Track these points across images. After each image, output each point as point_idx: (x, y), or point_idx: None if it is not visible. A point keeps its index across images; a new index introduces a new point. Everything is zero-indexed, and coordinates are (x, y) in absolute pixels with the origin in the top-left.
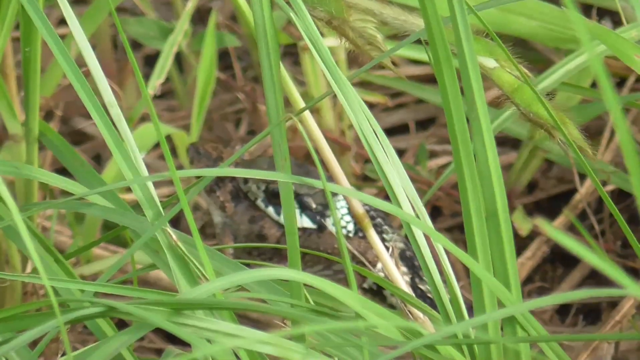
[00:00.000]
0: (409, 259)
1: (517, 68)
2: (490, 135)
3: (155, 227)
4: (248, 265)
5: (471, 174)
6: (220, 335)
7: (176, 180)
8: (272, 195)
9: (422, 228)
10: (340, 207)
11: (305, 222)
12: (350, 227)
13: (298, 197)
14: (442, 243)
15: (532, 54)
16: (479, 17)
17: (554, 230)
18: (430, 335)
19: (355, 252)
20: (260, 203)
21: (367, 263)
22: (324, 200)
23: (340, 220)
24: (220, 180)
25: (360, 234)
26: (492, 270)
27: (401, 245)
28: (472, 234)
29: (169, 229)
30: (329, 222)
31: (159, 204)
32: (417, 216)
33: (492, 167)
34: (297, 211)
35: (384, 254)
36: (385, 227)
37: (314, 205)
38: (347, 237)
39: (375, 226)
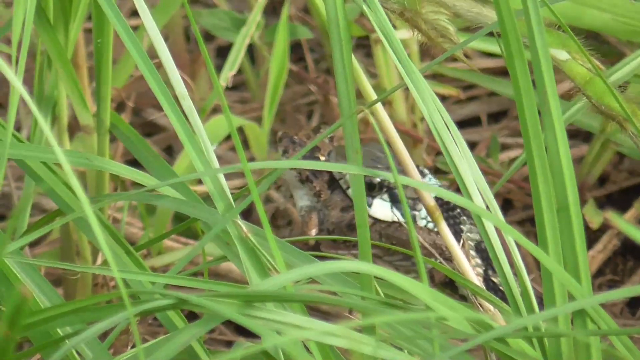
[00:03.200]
0: (484, 251)
1: (589, 60)
2: (561, 128)
3: (226, 219)
4: (319, 257)
5: (542, 166)
6: (290, 327)
7: (247, 172)
8: (366, 187)
9: (493, 221)
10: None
11: (398, 215)
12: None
13: (390, 189)
14: (513, 236)
15: (605, 47)
16: (551, 9)
17: (625, 224)
18: (500, 328)
19: (430, 248)
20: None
21: (442, 260)
22: (414, 193)
23: (420, 212)
24: (317, 170)
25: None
26: (562, 263)
27: (477, 237)
28: (543, 226)
29: (240, 221)
30: (418, 217)
31: (230, 196)
32: (489, 209)
33: (564, 160)
34: (388, 204)
35: (455, 246)
36: (464, 217)
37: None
38: (429, 230)
39: (453, 217)
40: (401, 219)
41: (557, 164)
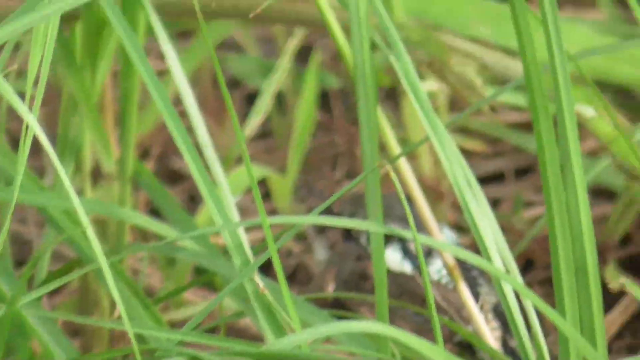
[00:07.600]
0: (503, 314)
1: (613, 118)
2: (583, 187)
3: (242, 276)
4: (338, 313)
5: (562, 227)
6: None
7: (266, 227)
8: None
9: (511, 283)
10: (438, 257)
11: (406, 267)
12: (448, 279)
13: (402, 241)
14: (530, 299)
15: (636, 103)
16: (577, 64)
17: None
18: None
19: (445, 306)
20: (363, 242)
21: (459, 320)
22: (429, 247)
23: (432, 266)
24: None
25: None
26: (579, 327)
27: (494, 299)
28: (561, 288)
29: (257, 277)
30: (431, 270)
31: (248, 250)
32: (507, 270)
33: (584, 221)
34: (399, 255)
35: (474, 307)
36: (481, 280)
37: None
38: (445, 288)
39: (471, 279)
40: (409, 272)
41: (577, 225)
